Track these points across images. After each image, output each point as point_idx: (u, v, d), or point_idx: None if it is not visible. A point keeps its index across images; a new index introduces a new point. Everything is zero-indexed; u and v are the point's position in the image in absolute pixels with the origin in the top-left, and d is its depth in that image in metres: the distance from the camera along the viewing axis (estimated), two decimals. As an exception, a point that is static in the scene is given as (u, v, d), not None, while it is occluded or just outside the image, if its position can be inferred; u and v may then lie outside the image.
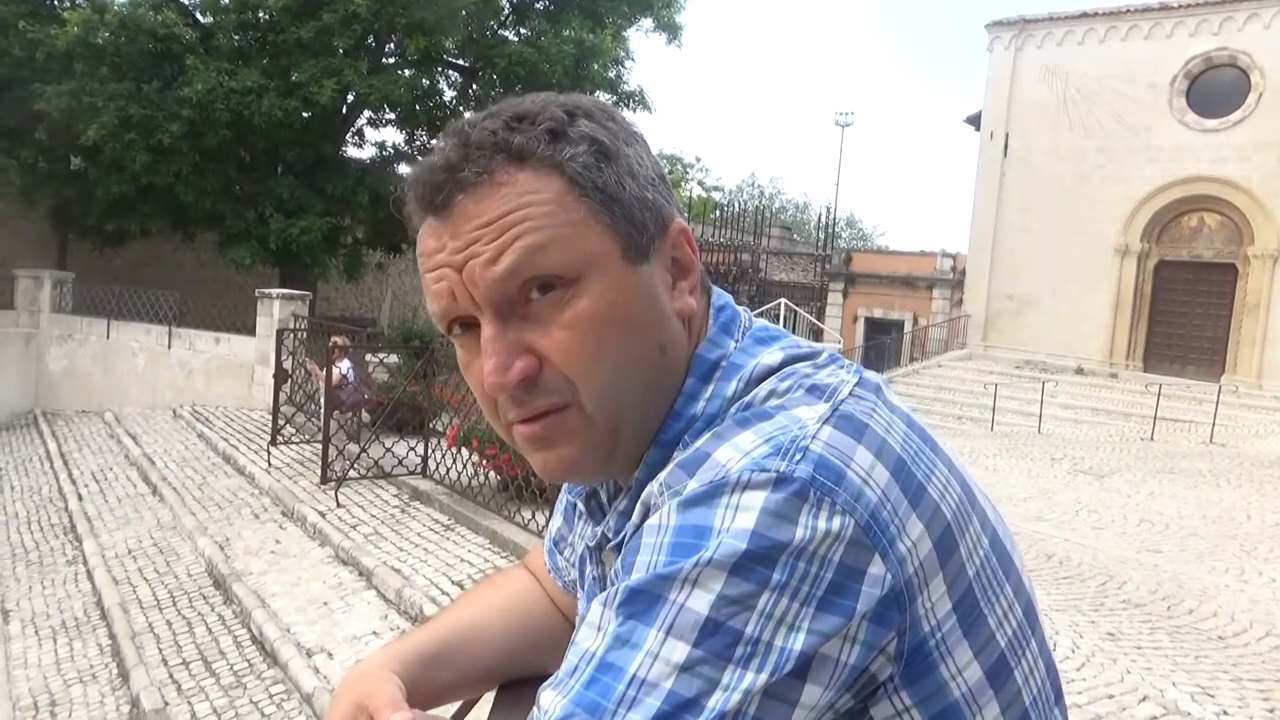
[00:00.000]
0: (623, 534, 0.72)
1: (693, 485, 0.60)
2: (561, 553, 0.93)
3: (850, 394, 0.66)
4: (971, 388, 20.15)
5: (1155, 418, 16.53)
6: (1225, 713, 4.25)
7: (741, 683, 0.55)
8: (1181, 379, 19.86)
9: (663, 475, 0.65)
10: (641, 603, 0.58)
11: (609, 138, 0.69)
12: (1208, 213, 20.90)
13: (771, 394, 0.67)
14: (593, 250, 0.67)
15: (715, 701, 0.55)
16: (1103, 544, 7.52)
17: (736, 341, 0.74)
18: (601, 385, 0.67)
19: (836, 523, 0.57)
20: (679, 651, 0.56)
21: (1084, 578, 6.42)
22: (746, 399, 0.68)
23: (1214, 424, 16.19)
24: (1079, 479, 10.87)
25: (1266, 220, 19.83)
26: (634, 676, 0.56)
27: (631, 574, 0.59)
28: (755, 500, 0.57)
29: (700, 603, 0.56)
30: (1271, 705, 4.37)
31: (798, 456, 0.59)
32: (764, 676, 0.56)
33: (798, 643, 0.56)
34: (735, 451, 0.61)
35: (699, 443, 0.65)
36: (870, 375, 0.70)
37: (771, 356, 0.71)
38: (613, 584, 0.61)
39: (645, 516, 0.64)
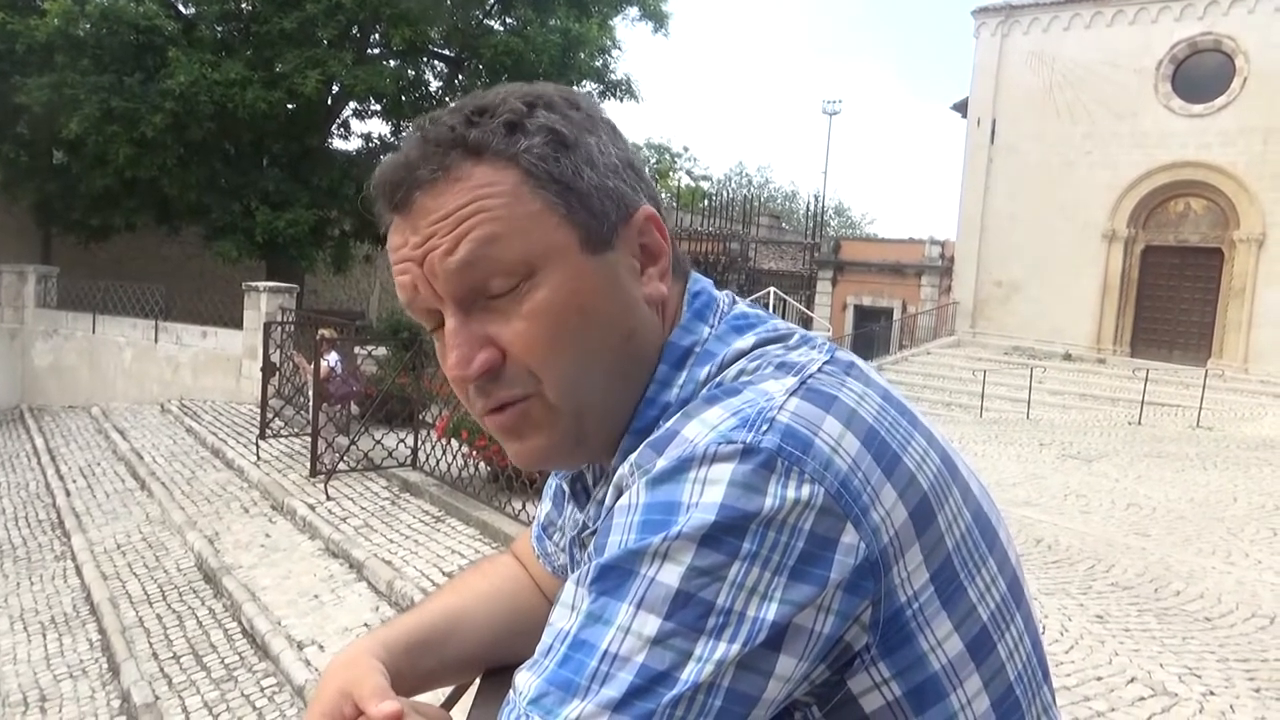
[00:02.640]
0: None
1: (661, 462, 0.60)
2: (550, 537, 0.92)
3: (820, 370, 0.65)
4: (960, 374, 20.23)
5: (1143, 402, 16.64)
6: (1212, 693, 4.28)
7: (714, 654, 0.55)
8: (1168, 363, 19.99)
9: (633, 456, 0.65)
10: (612, 579, 0.58)
11: (568, 127, 0.69)
12: (1194, 198, 21.01)
13: (741, 373, 0.67)
14: (550, 242, 0.67)
15: (688, 673, 0.55)
16: (1091, 528, 7.56)
17: (711, 328, 0.73)
18: (563, 376, 0.68)
19: (806, 491, 0.57)
20: (650, 625, 0.56)
21: (1072, 561, 6.46)
22: (717, 380, 0.68)
23: (1201, 408, 16.30)
24: (1067, 464, 10.93)
25: (1251, 204, 19.93)
26: (606, 652, 0.56)
27: (603, 553, 0.59)
28: (723, 473, 0.57)
29: (670, 575, 0.56)
30: (1257, 685, 4.41)
31: (764, 427, 0.59)
32: (736, 647, 0.56)
33: (770, 612, 0.56)
34: (702, 427, 0.61)
35: (669, 423, 0.65)
36: (843, 353, 0.70)
37: (744, 341, 0.71)
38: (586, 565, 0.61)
39: (619, 498, 0.64)
